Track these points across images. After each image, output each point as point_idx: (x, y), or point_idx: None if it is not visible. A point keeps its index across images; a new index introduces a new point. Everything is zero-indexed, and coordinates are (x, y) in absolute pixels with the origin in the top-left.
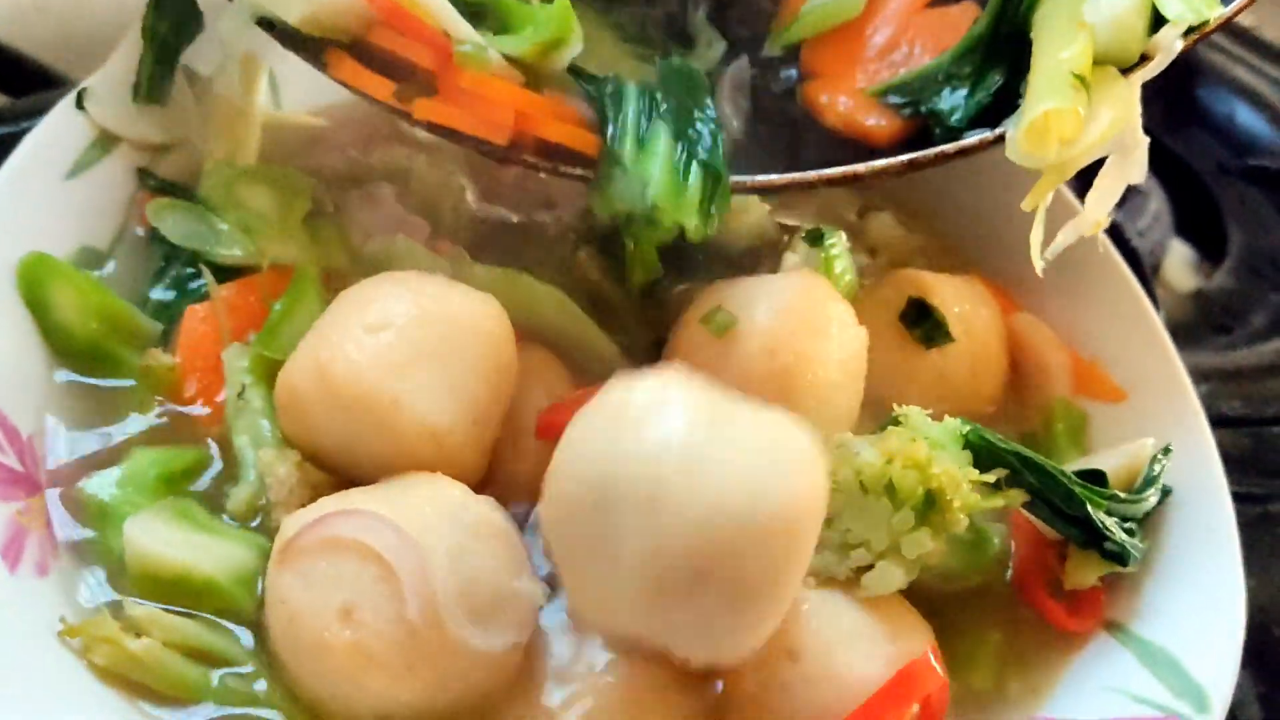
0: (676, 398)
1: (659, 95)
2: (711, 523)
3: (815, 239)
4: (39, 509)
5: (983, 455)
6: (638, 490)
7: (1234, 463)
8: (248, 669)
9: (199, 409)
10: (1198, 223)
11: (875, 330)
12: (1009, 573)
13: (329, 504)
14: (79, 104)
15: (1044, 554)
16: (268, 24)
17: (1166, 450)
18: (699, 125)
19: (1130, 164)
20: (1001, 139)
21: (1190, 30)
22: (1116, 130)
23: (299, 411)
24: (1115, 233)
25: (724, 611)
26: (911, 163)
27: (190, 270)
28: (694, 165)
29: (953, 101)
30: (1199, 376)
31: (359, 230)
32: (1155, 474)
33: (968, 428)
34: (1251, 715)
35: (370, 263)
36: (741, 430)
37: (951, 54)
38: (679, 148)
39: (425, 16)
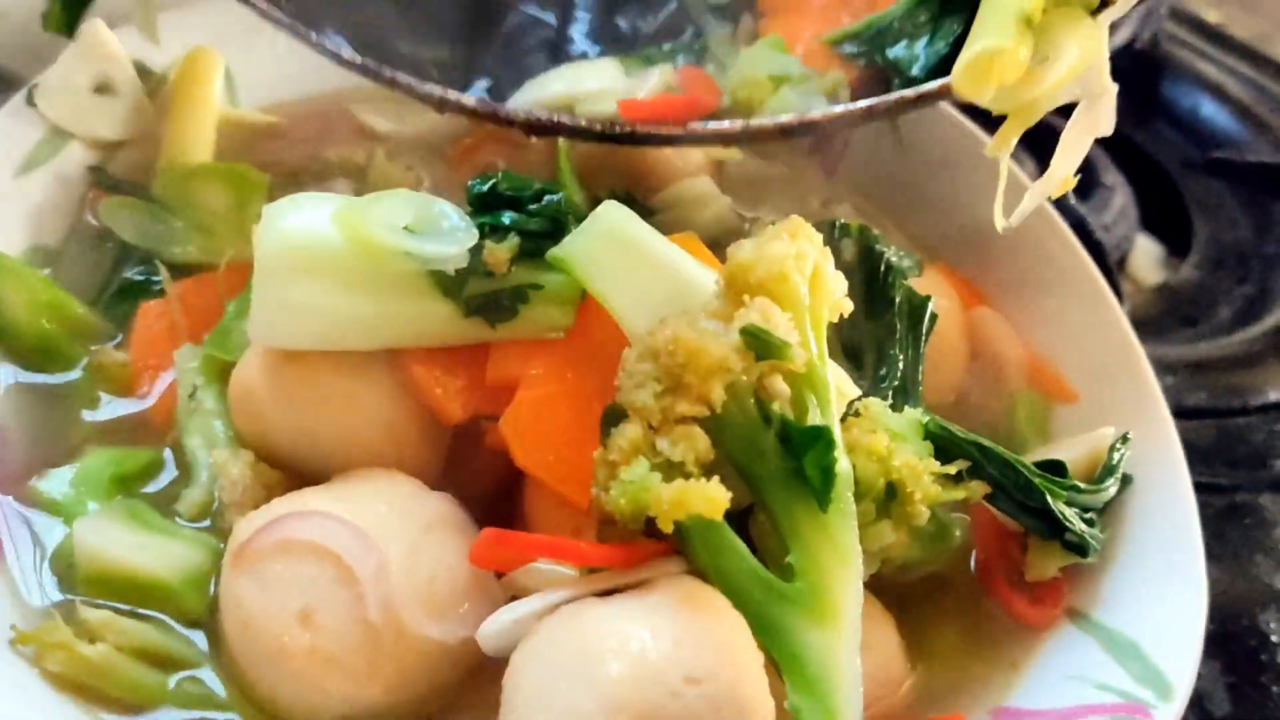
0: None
1: None
2: None
3: None
4: None
5: (943, 446)
6: None
7: (1200, 454)
8: (206, 673)
9: (151, 407)
10: (1163, 217)
11: None
12: (971, 564)
13: (283, 505)
14: (29, 100)
15: (1005, 545)
16: None
17: (1125, 439)
18: None
19: (1098, 114)
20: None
21: None
22: (1081, 69)
23: (252, 410)
24: (1080, 226)
25: None
26: (869, 110)
27: (144, 268)
28: None
29: (911, 51)
30: (1164, 369)
31: None
32: (1115, 463)
33: (928, 418)
34: (1220, 706)
35: None
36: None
37: (907, 1)
38: None
39: None
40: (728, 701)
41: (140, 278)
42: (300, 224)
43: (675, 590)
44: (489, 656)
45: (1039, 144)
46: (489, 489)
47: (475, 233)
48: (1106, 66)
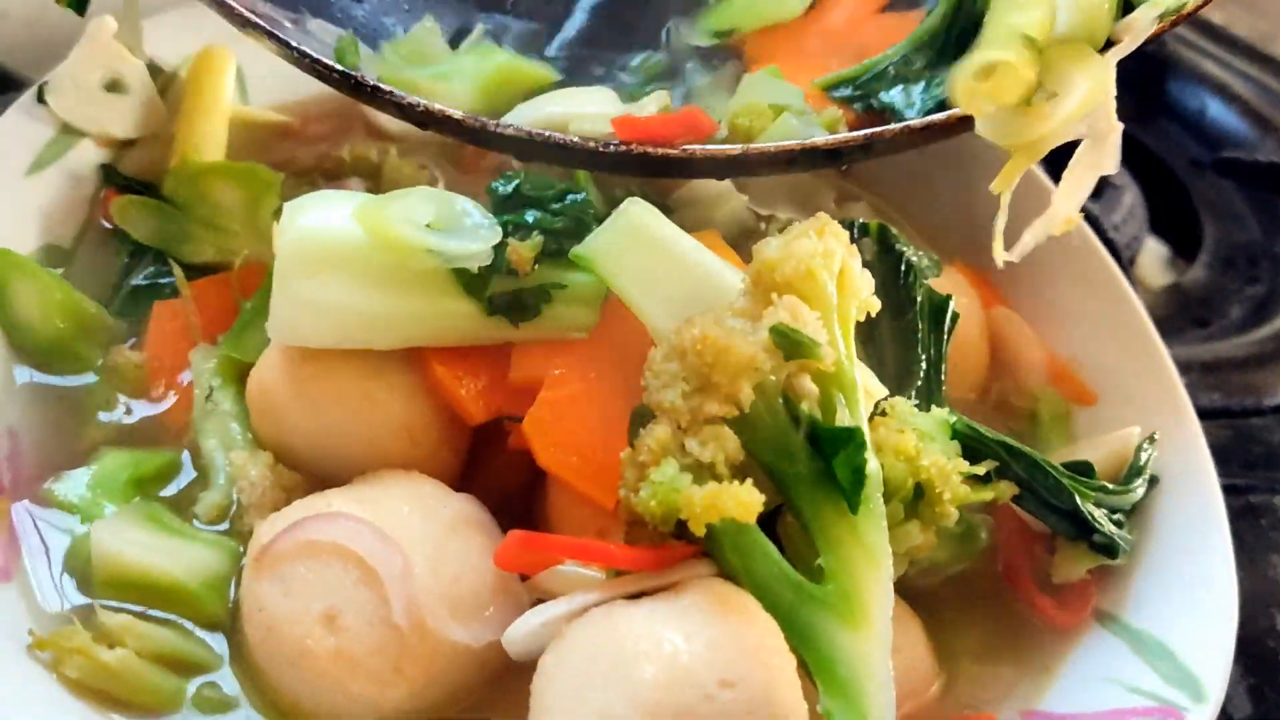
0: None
1: None
2: None
3: None
4: (1, 512)
5: (970, 446)
6: None
7: (1215, 455)
8: (225, 677)
9: (167, 408)
10: (1171, 217)
11: None
12: (997, 565)
13: (304, 507)
14: (40, 98)
15: (1031, 546)
16: None
17: (1152, 439)
18: None
19: (1103, 152)
20: (969, 121)
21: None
22: (1090, 107)
23: (271, 410)
24: (1091, 226)
25: None
26: (870, 141)
27: (157, 267)
28: None
29: (906, 96)
30: (1177, 370)
31: None
32: (1142, 463)
33: (955, 418)
34: (1240, 707)
35: None
36: None
37: (903, 46)
38: None
39: None
40: (762, 704)
41: (154, 278)
42: (321, 220)
43: (707, 593)
44: (515, 660)
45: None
46: (511, 490)
47: (499, 230)
48: (1113, 104)
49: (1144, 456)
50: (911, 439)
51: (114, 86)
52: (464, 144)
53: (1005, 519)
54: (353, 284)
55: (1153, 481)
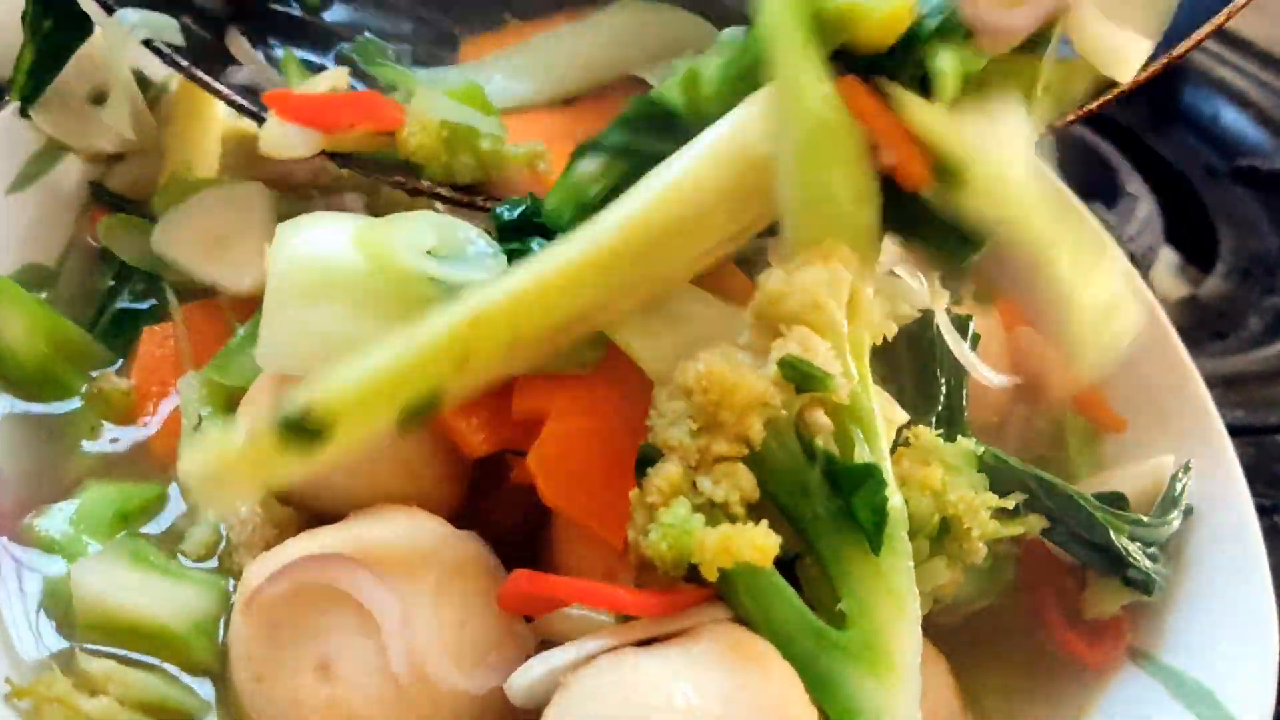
0: None
1: None
2: None
3: None
4: None
5: (998, 478)
6: None
7: None
8: None
9: (154, 437)
10: (1186, 227)
11: None
12: (1024, 600)
13: (296, 546)
14: (23, 111)
15: (1060, 580)
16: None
17: (1186, 468)
18: None
19: None
20: None
21: None
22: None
23: None
24: None
25: None
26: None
27: (147, 290)
28: None
29: None
30: None
31: None
32: (1177, 494)
33: (982, 449)
34: None
35: None
36: None
37: None
38: None
39: None
40: None
41: (143, 301)
42: (316, 243)
43: (721, 640)
44: (518, 708)
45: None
46: (514, 528)
47: (504, 260)
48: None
49: (1178, 487)
50: (937, 472)
51: (101, 99)
52: None
53: (1032, 551)
54: (348, 312)
55: (1188, 512)
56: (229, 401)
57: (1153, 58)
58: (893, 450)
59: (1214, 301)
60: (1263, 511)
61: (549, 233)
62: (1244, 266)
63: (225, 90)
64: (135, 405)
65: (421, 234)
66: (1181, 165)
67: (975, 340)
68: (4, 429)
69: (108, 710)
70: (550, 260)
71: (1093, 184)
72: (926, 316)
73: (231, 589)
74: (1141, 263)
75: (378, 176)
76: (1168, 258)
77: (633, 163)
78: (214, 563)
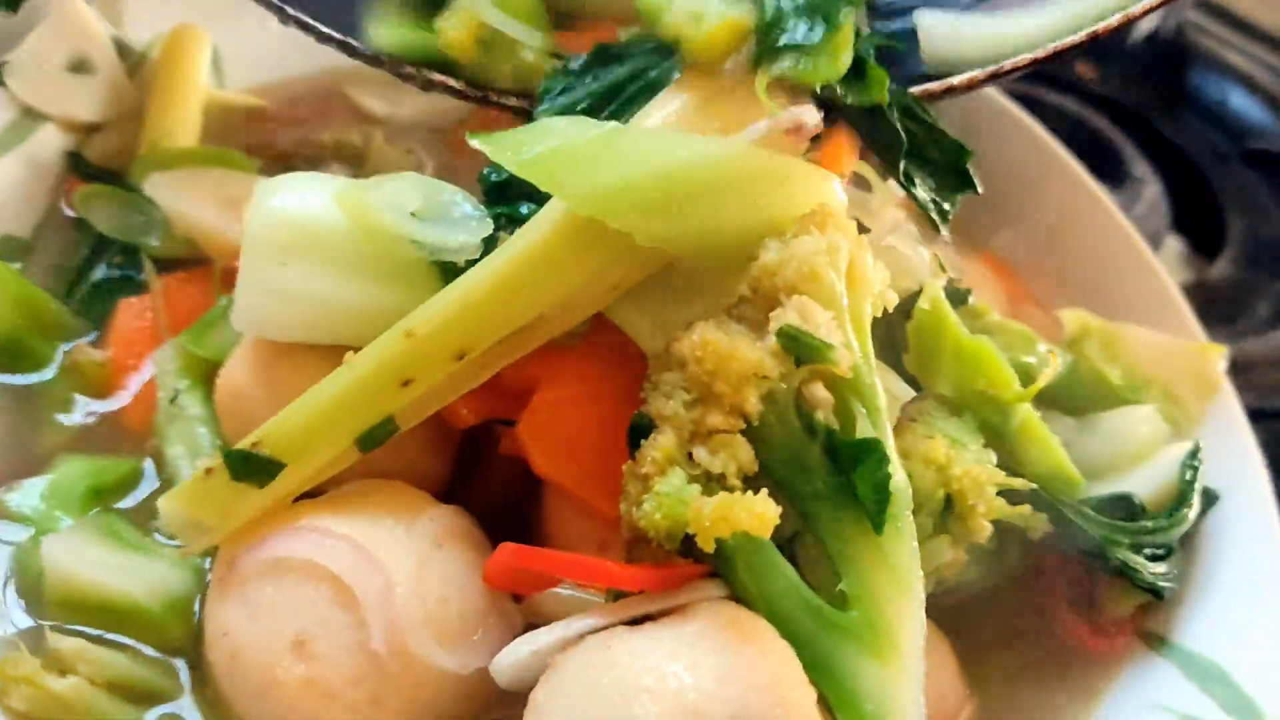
0: None
1: None
2: None
3: None
4: None
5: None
6: None
7: None
8: (186, 707)
9: (130, 410)
10: (1193, 211)
11: None
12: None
13: (274, 521)
14: None
15: (1069, 566)
16: None
17: (1195, 453)
18: None
19: None
20: None
21: None
22: None
23: (241, 413)
24: None
25: None
26: None
27: (125, 260)
28: None
29: None
30: None
31: None
32: (1189, 483)
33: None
34: None
35: None
36: None
37: None
38: None
39: None
40: None
41: (120, 271)
42: (296, 203)
43: (716, 618)
44: (505, 689)
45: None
46: (503, 501)
47: (489, 223)
48: None
49: (1189, 474)
50: (942, 445)
51: (79, 67)
52: (453, 126)
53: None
54: (328, 272)
55: (1210, 499)
56: (206, 373)
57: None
58: (895, 425)
59: (1222, 286)
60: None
61: (539, 196)
62: (1252, 251)
63: None
64: (111, 378)
65: (405, 195)
66: (1189, 149)
67: None
68: None
69: (77, 690)
70: (477, 275)
71: (1099, 168)
72: (925, 288)
73: (207, 566)
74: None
75: (407, 74)
76: (1174, 243)
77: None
78: None
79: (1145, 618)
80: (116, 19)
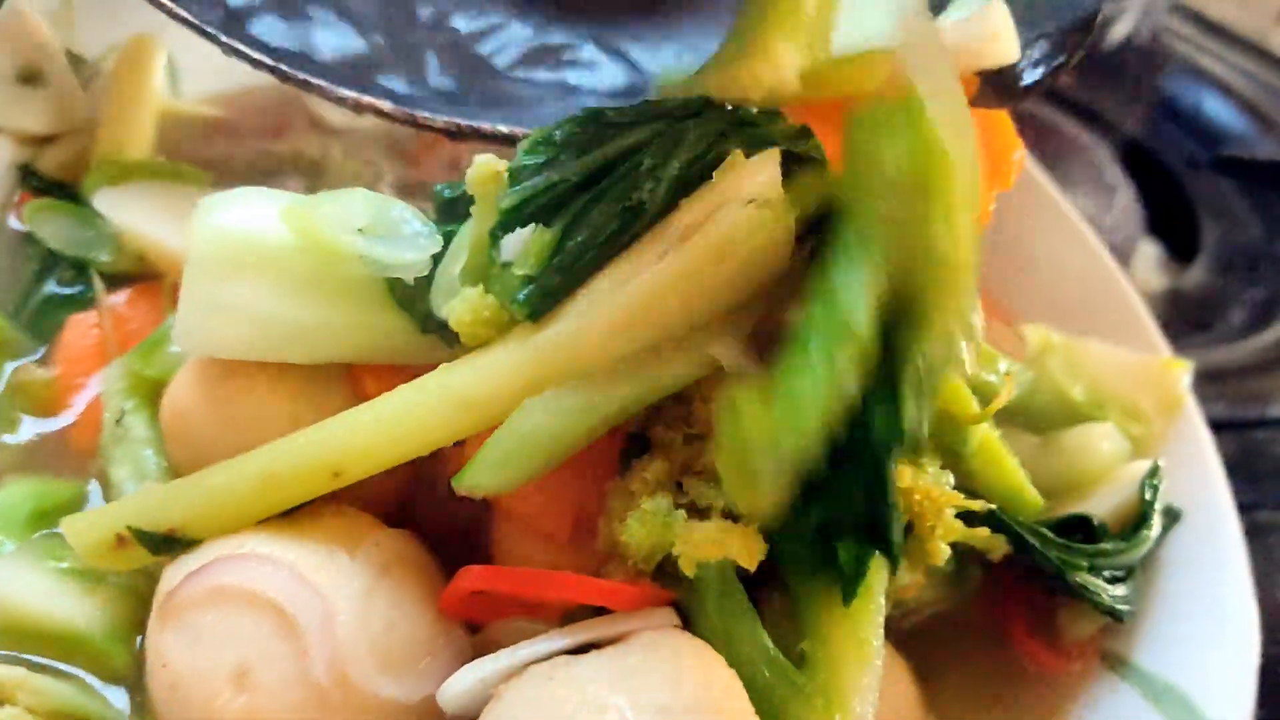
0: None
1: None
2: None
3: None
4: None
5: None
6: None
7: None
8: None
9: (75, 430)
10: (1167, 217)
11: None
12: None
13: (216, 547)
14: None
15: (1028, 589)
16: None
17: (1155, 472)
18: None
19: None
20: None
21: None
22: None
23: (185, 435)
24: None
25: None
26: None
27: (74, 276)
28: None
29: None
30: None
31: None
32: (1150, 503)
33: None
34: None
35: None
36: None
37: None
38: None
39: None
40: None
41: (69, 287)
42: (241, 218)
43: (660, 648)
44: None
45: None
46: (452, 525)
47: (439, 240)
48: None
49: (1150, 495)
50: (903, 468)
51: (30, 78)
52: (413, 138)
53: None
54: (273, 289)
55: (1172, 517)
56: (153, 394)
57: None
58: None
59: (1195, 293)
60: (1244, 508)
61: None
62: (1226, 257)
63: None
64: (56, 397)
65: (353, 211)
66: (1163, 155)
67: None
68: None
69: (15, 718)
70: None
71: (1071, 173)
72: None
73: (150, 593)
74: (1121, 254)
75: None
76: (1148, 249)
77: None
78: None
79: (1105, 639)
80: (69, 29)
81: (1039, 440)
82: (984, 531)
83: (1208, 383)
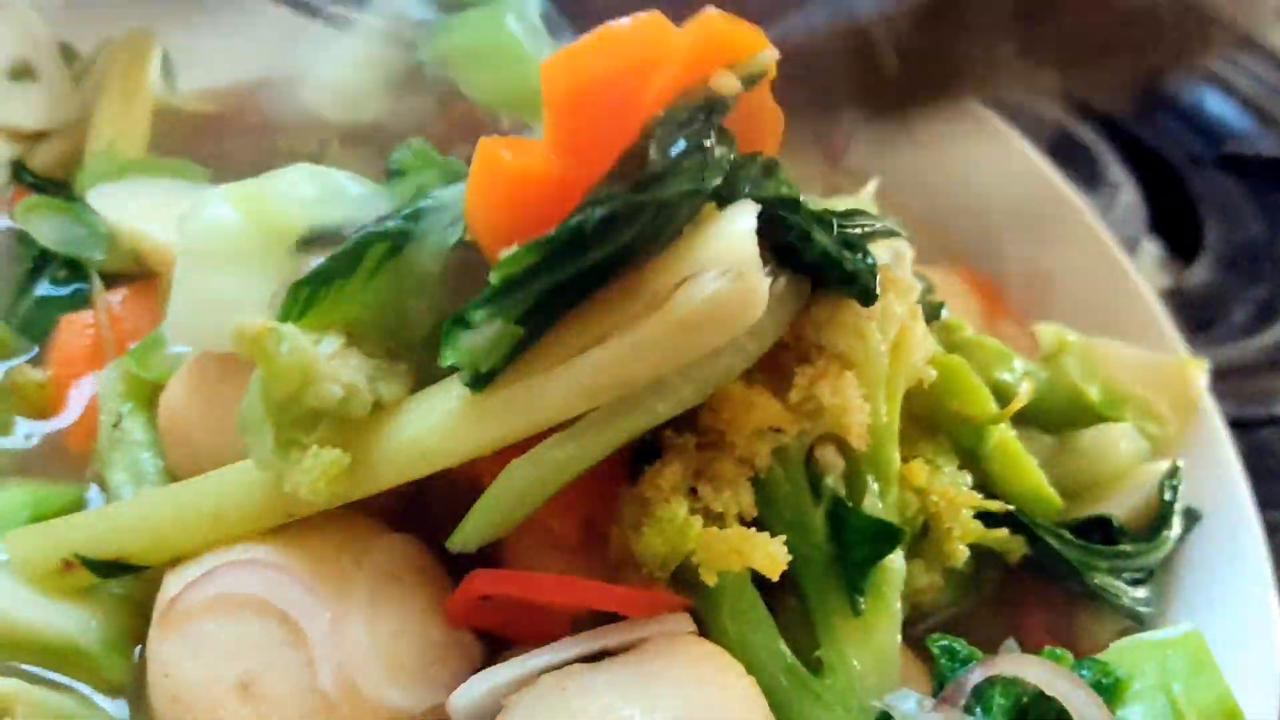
0: None
1: None
2: None
3: None
4: None
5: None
6: None
7: None
8: None
9: (71, 434)
10: (1170, 215)
11: None
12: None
13: (218, 554)
14: None
15: (1047, 594)
16: None
17: (1174, 472)
18: None
19: None
20: None
21: None
22: None
23: (184, 438)
24: None
25: None
26: None
27: (67, 274)
28: None
29: None
30: None
31: None
32: (1169, 504)
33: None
34: None
35: None
36: None
37: None
38: None
39: None
40: None
41: (62, 287)
42: (207, 212)
43: (676, 655)
44: None
45: None
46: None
47: (384, 200)
48: None
49: (1169, 496)
50: (920, 467)
51: (22, 73)
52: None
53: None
54: (238, 273)
55: (1192, 518)
56: (151, 396)
57: None
58: None
59: (1198, 292)
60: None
61: None
62: (1230, 255)
63: None
64: (51, 398)
65: (296, 184)
66: (1166, 153)
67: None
68: None
69: None
70: None
71: (1075, 172)
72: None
73: (149, 604)
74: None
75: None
76: (1151, 247)
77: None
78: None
79: None
80: (61, 22)
81: (1055, 441)
82: (1003, 532)
83: (1212, 382)
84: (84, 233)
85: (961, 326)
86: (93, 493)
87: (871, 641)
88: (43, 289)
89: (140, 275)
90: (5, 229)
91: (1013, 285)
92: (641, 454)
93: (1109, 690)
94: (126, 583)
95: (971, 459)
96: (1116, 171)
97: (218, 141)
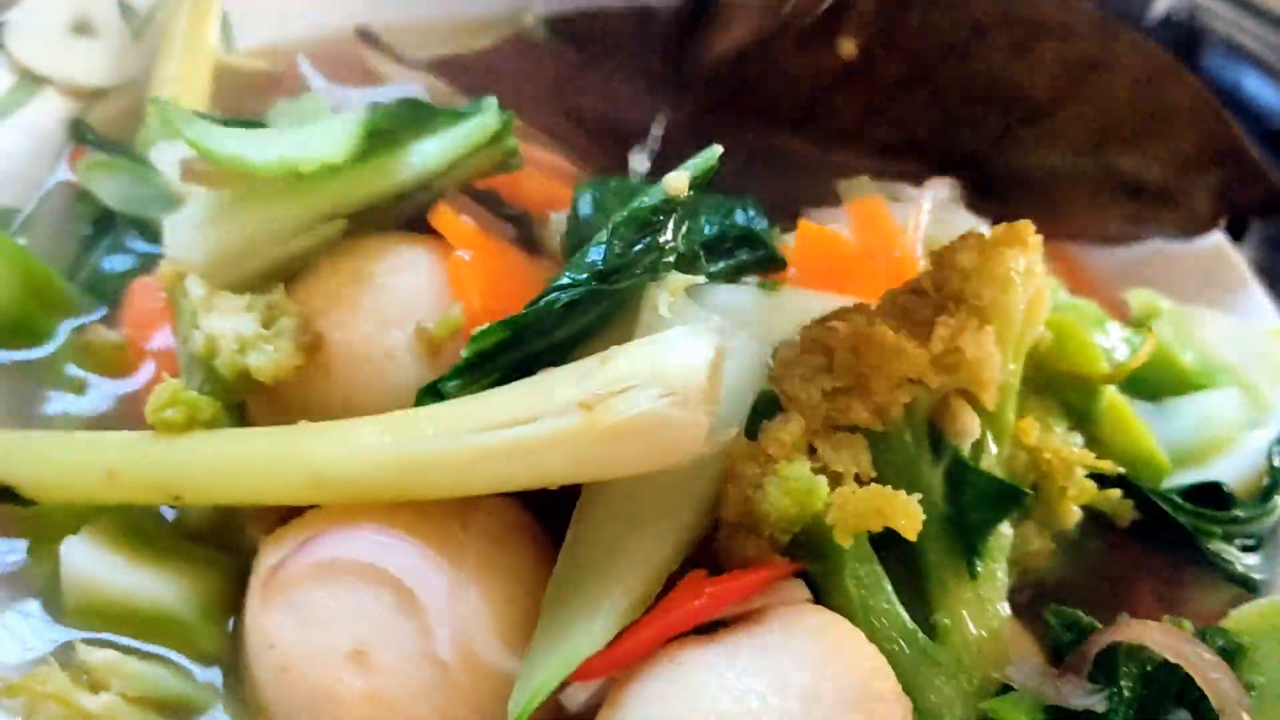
0: None
1: None
2: None
3: None
4: None
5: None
6: None
7: None
8: (220, 717)
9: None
10: None
11: None
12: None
13: (320, 519)
14: None
15: (1156, 566)
16: None
17: None
18: None
19: None
20: None
21: None
22: None
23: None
24: None
25: None
26: None
27: (132, 232)
28: None
29: None
30: None
31: None
32: (1279, 470)
33: None
34: None
35: None
36: None
37: None
38: None
39: None
40: None
41: (127, 246)
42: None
43: (798, 625)
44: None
45: None
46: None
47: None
48: None
49: (1278, 462)
50: (1033, 425)
51: (82, 28)
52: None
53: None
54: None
55: None
56: None
57: None
58: None
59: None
60: None
61: None
62: (1273, 235)
63: None
64: (126, 359)
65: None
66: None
67: None
68: None
69: (110, 707)
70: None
71: None
72: None
73: (242, 568)
74: None
75: None
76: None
77: None
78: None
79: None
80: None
81: (1153, 406)
82: (1115, 493)
83: None
84: (148, 192)
85: (1057, 288)
86: None
87: (985, 608)
88: (105, 249)
89: None
90: (66, 187)
91: (1092, 257)
92: (758, 409)
93: (1231, 658)
94: (212, 550)
95: (1080, 420)
96: None
97: (276, 100)
